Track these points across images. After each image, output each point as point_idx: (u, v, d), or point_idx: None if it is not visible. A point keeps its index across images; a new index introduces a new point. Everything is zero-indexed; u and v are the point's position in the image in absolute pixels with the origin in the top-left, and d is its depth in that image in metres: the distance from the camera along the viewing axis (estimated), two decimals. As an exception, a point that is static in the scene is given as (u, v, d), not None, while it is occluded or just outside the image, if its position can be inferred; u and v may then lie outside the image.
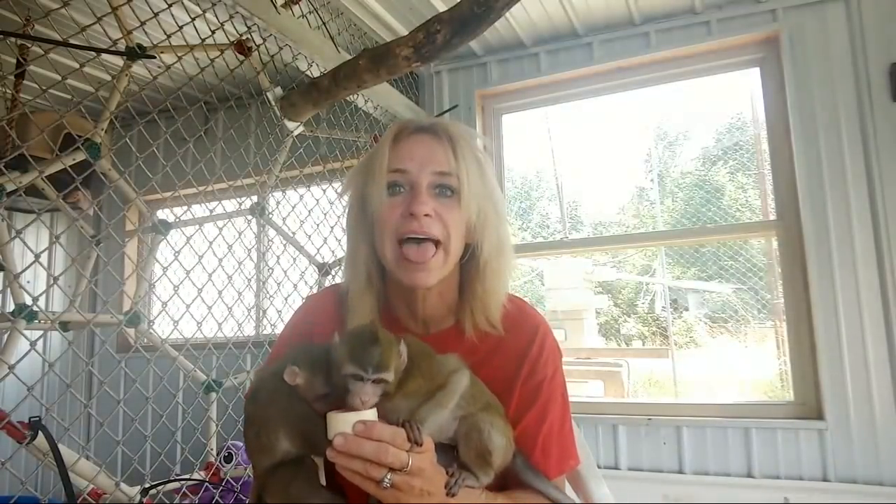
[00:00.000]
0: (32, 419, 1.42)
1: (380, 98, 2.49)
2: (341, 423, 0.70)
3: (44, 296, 1.94)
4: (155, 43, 1.77)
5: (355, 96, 2.33)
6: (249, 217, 2.17)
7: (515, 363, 0.93)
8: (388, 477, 0.70)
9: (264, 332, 3.08)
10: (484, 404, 0.84)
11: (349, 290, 0.95)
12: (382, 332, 0.76)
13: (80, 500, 1.51)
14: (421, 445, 0.72)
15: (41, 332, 1.50)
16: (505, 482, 0.88)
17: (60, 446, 1.45)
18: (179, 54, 1.80)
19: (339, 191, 2.43)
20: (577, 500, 0.95)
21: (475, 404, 0.83)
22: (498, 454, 0.81)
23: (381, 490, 0.70)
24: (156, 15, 1.69)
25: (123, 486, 1.62)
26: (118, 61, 2.32)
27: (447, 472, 0.78)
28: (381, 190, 0.88)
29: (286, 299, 2.19)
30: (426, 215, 0.86)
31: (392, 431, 0.70)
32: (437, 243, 0.87)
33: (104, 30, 1.77)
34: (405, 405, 0.77)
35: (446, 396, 0.79)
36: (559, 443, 0.92)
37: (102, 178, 1.94)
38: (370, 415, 0.71)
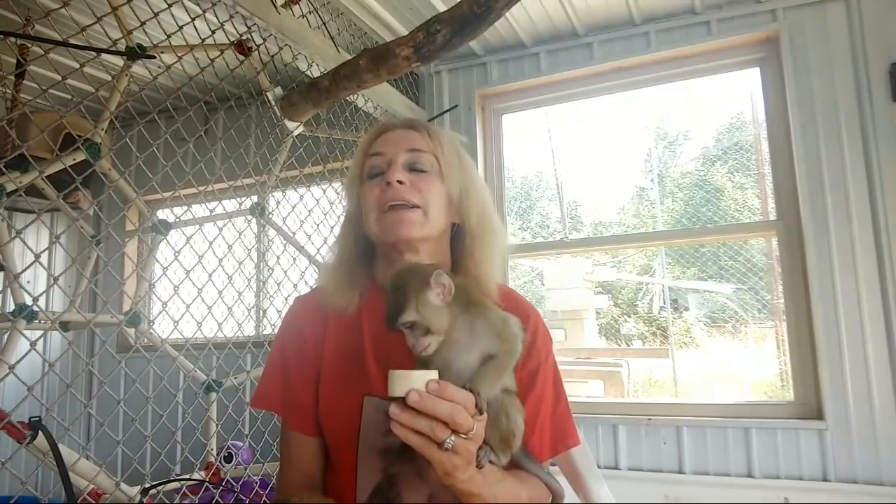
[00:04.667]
0: (32, 419, 1.42)
1: (380, 98, 2.49)
2: (411, 380, 0.69)
3: (44, 296, 1.94)
4: (155, 43, 1.77)
5: (355, 96, 2.33)
6: (249, 217, 2.17)
7: None
8: (452, 439, 0.70)
9: (264, 332, 3.08)
10: (514, 384, 0.85)
11: (328, 278, 0.98)
12: (403, 273, 0.77)
13: (80, 500, 1.51)
14: (482, 414, 0.73)
15: (41, 332, 1.50)
16: None
17: (60, 446, 1.45)
18: (179, 54, 1.80)
19: (339, 191, 2.43)
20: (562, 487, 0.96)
21: (513, 381, 0.84)
22: (519, 440, 0.83)
23: (440, 452, 0.70)
24: (156, 15, 1.69)
25: (123, 486, 1.62)
26: (118, 61, 2.32)
27: None
28: (363, 175, 0.96)
29: (286, 299, 2.19)
30: (399, 181, 0.91)
31: (463, 394, 0.71)
32: (415, 207, 0.91)
33: (104, 30, 1.77)
34: (475, 339, 0.76)
35: (507, 359, 0.78)
36: (553, 425, 0.95)
37: (102, 178, 1.94)
38: (434, 374, 0.71)
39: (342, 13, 2.51)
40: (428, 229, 0.92)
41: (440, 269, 0.74)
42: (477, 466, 0.77)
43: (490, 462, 0.80)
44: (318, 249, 2.33)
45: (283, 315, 1.07)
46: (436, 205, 0.92)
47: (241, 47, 1.95)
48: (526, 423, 0.89)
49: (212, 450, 2.02)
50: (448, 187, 0.94)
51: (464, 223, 0.96)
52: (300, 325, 0.99)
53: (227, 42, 1.91)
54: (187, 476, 1.94)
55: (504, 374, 0.79)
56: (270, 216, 2.28)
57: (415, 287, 0.74)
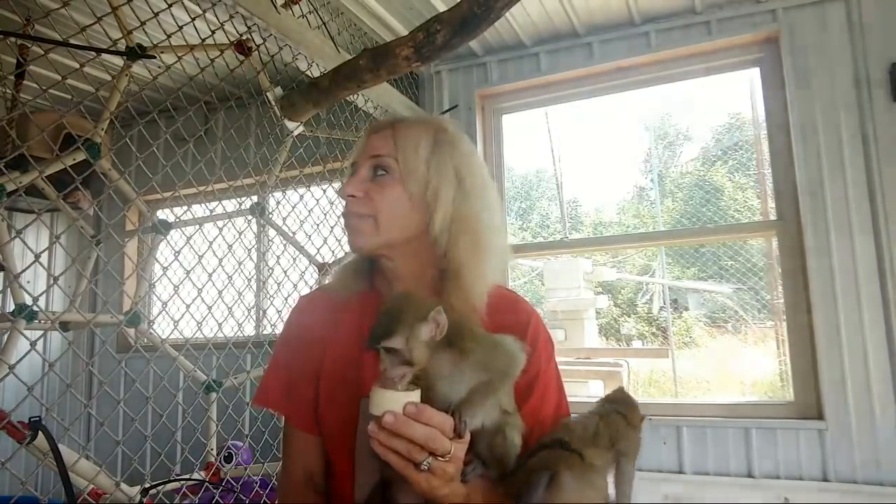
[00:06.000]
0: (32, 419, 1.42)
1: (380, 98, 2.49)
2: (389, 401, 0.69)
3: (44, 296, 1.94)
4: (155, 43, 1.77)
5: (355, 96, 2.33)
6: (249, 217, 2.17)
7: None
8: (429, 461, 0.70)
9: (264, 332, 3.08)
10: (513, 404, 0.85)
11: (337, 271, 1.02)
12: (403, 299, 0.76)
13: (80, 500, 1.51)
14: (462, 438, 0.73)
15: (41, 332, 1.50)
16: None
17: (60, 446, 1.45)
18: (179, 54, 1.80)
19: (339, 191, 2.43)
20: None
21: (511, 402, 0.84)
22: (515, 458, 0.82)
23: (416, 472, 0.71)
24: (156, 15, 1.69)
25: (123, 486, 1.62)
26: (118, 61, 2.32)
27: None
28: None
29: (286, 299, 2.19)
30: (350, 196, 0.92)
31: (441, 418, 0.71)
32: (367, 216, 0.91)
33: (104, 30, 1.77)
34: (460, 374, 0.76)
35: (501, 381, 0.78)
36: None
37: (102, 178, 1.93)
38: (414, 396, 0.71)
39: (342, 13, 2.51)
40: (380, 238, 0.91)
41: (440, 308, 0.73)
42: (462, 481, 0.77)
43: (480, 475, 0.80)
44: (318, 249, 2.33)
45: (284, 315, 1.07)
46: (388, 211, 0.90)
47: (241, 47, 1.94)
48: (524, 429, 0.88)
49: (212, 450, 2.02)
50: (408, 189, 0.91)
51: (432, 223, 0.91)
52: (303, 325, 1.00)
53: (227, 42, 1.91)
54: (187, 476, 1.94)
55: (495, 396, 0.78)
56: (270, 216, 2.28)
57: (411, 318, 0.73)
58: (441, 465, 0.71)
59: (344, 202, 0.94)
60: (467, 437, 0.75)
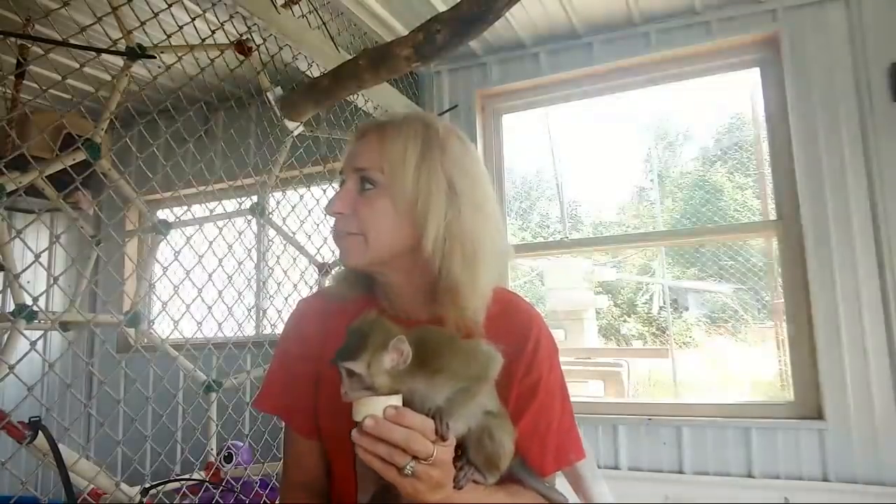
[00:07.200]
0: (32, 419, 1.42)
1: (380, 98, 2.49)
2: (370, 406, 0.71)
3: (44, 296, 1.94)
4: (155, 43, 1.77)
5: (355, 96, 2.33)
6: (249, 217, 2.16)
7: (509, 361, 0.87)
8: (411, 465, 0.70)
9: (264, 332, 3.07)
10: (499, 406, 0.84)
11: (337, 276, 1.00)
12: (370, 324, 0.76)
13: (80, 500, 1.51)
14: (445, 441, 0.73)
15: (41, 332, 1.50)
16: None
17: (60, 446, 1.45)
18: (179, 54, 1.80)
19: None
20: (568, 499, 0.95)
21: (496, 403, 0.83)
22: (506, 460, 0.82)
23: (401, 477, 0.71)
24: (156, 15, 1.69)
25: (123, 486, 1.62)
26: (118, 61, 2.32)
27: (455, 466, 0.78)
28: None
29: (286, 299, 2.19)
30: (338, 213, 0.89)
31: (422, 420, 0.71)
32: (356, 234, 0.89)
33: (104, 30, 1.77)
34: (435, 389, 0.76)
35: (478, 385, 0.79)
36: (557, 439, 0.92)
37: (102, 178, 1.93)
38: (395, 401, 0.72)
39: (342, 13, 2.51)
40: (371, 255, 0.88)
41: (402, 337, 0.73)
42: (456, 487, 0.77)
43: (475, 482, 0.80)
44: (318, 249, 2.34)
45: (284, 315, 1.07)
46: (378, 228, 0.87)
47: (241, 47, 1.95)
48: (526, 437, 0.87)
49: (212, 450, 2.02)
50: (397, 203, 0.86)
51: (424, 235, 0.85)
52: (303, 328, 0.99)
53: (227, 42, 1.91)
54: (187, 476, 1.94)
55: (475, 399, 0.78)
56: (270, 216, 2.28)
57: (374, 344, 0.73)
58: (425, 469, 0.71)
59: (332, 219, 0.91)
60: (451, 440, 0.74)
